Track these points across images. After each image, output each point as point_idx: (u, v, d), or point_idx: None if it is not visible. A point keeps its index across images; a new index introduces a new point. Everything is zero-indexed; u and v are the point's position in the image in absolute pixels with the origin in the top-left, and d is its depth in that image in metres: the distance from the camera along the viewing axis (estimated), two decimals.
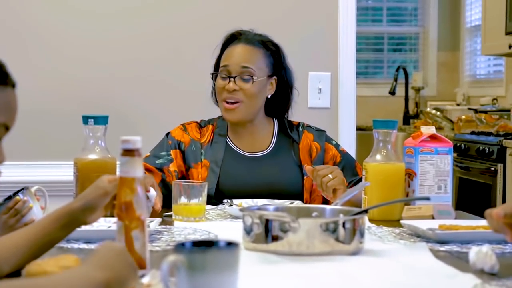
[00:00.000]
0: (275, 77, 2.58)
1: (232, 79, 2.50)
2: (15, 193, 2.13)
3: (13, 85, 1.35)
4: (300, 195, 2.51)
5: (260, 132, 2.59)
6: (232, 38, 2.58)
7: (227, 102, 2.51)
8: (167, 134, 2.60)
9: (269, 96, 2.58)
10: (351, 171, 2.54)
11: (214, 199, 2.46)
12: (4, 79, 1.33)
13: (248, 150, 2.57)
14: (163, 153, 2.55)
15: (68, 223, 1.53)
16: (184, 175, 2.55)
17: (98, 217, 1.56)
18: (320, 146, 2.58)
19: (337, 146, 2.62)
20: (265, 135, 2.60)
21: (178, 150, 2.55)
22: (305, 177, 2.52)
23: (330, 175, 2.30)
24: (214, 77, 2.59)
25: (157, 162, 2.53)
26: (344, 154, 2.59)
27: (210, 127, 2.61)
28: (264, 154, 2.57)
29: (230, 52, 2.55)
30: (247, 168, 2.53)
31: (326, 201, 2.48)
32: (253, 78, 2.51)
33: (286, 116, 2.66)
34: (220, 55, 2.60)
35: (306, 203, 2.49)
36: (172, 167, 2.52)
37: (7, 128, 1.35)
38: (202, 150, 2.55)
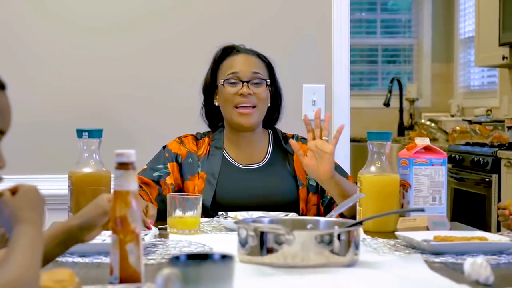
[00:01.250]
0: (270, 87, 2.60)
1: (245, 84, 2.52)
2: None
3: (2, 87, 1.34)
4: (295, 205, 2.51)
5: (257, 144, 2.60)
6: (228, 51, 2.60)
7: (241, 107, 2.51)
8: (164, 147, 2.59)
9: (268, 105, 2.60)
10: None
11: (211, 211, 2.46)
12: None
13: (244, 162, 2.57)
14: (160, 166, 2.54)
15: (65, 240, 1.53)
16: (181, 188, 2.54)
17: (95, 235, 1.56)
18: None
19: None
20: (261, 147, 2.61)
21: (175, 163, 2.54)
22: (300, 188, 2.52)
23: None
24: (209, 92, 2.60)
25: (154, 175, 2.52)
26: (337, 166, 2.60)
27: (207, 139, 2.61)
28: (260, 166, 2.57)
29: (234, 60, 2.57)
30: (243, 180, 2.53)
31: (320, 213, 2.49)
32: (266, 82, 2.54)
33: (277, 127, 2.68)
34: (214, 69, 2.60)
35: (302, 213, 2.50)
36: (169, 180, 2.51)
37: (2, 132, 1.35)
38: (199, 162, 2.55)
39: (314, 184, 2.53)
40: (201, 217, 2.24)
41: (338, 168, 2.59)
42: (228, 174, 2.53)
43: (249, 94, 2.51)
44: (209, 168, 2.53)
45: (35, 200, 1.35)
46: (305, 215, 2.50)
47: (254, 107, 2.52)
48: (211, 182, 2.50)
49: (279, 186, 2.52)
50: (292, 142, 2.41)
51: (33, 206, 1.34)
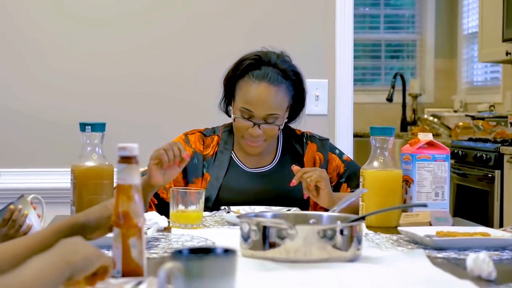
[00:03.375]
0: (291, 102, 2.51)
1: (256, 125, 2.42)
2: (11, 203, 2.12)
3: None
4: (304, 206, 2.46)
5: (267, 147, 2.53)
6: (254, 66, 2.45)
7: (249, 140, 2.45)
8: None
9: (285, 121, 2.52)
10: (356, 180, 2.49)
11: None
12: None
13: (253, 165, 2.53)
14: None
15: (68, 235, 1.52)
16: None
17: (99, 236, 1.54)
18: (323, 157, 2.55)
19: (340, 155, 2.58)
20: (271, 149, 2.55)
21: None
22: None
23: (312, 175, 2.28)
24: (228, 89, 2.51)
25: None
26: (348, 163, 2.56)
27: (216, 138, 2.55)
28: (268, 169, 2.53)
29: (253, 93, 2.41)
30: (250, 184, 2.49)
31: None
32: (279, 125, 2.45)
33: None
34: (235, 76, 2.47)
35: None
36: (168, 184, 2.45)
37: None
38: (205, 163, 2.50)
39: None
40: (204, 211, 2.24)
41: (350, 164, 2.56)
42: (234, 177, 2.49)
43: (259, 135, 2.43)
44: (214, 170, 2.49)
45: (93, 257, 1.31)
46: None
47: (264, 140, 2.46)
48: (213, 185, 2.47)
49: (287, 191, 2.45)
50: (295, 169, 2.32)
51: (87, 258, 1.29)
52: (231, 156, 2.53)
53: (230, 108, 2.55)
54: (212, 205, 2.45)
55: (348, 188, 2.52)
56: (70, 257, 1.26)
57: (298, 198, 2.44)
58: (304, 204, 2.46)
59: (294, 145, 2.57)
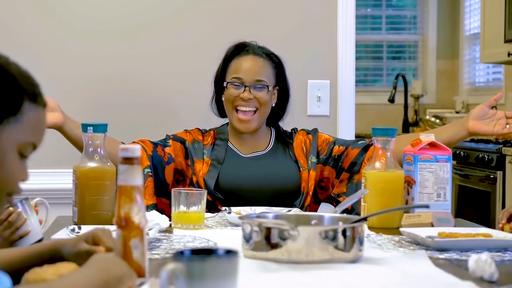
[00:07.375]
0: (277, 87, 2.66)
1: (247, 88, 2.57)
2: (13, 205, 2.10)
3: (44, 105, 1.37)
4: (297, 188, 2.58)
5: (260, 139, 2.68)
6: (238, 50, 2.65)
7: (240, 111, 2.58)
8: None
9: (273, 105, 2.66)
10: (345, 142, 2.67)
11: (214, 193, 2.52)
12: (39, 98, 1.35)
13: (248, 152, 2.65)
14: (161, 139, 2.64)
15: (48, 257, 1.50)
16: (182, 169, 2.59)
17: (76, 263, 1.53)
18: (312, 137, 2.68)
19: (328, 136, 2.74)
20: (264, 141, 2.68)
21: (179, 143, 2.62)
22: (301, 169, 2.60)
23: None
24: (218, 86, 2.66)
25: (153, 141, 2.61)
26: (336, 138, 2.72)
27: (212, 133, 2.69)
28: (263, 154, 2.65)
29: (240, 64, 2.62)
30: (247, 166, 2.60)
31: (317, 197, 2.64)
32: (268, 88, 2.60)
33: (280, 125, 2.75)
34: (224, 65, 2.66)
35: (303, 191, 2.57)
36: (168, 150, 2.59)
37: (34, 147, 1.38)
38: (204, 151, 2.63)
39: (315, 161, 2.62)
40: (205, 212, 2.24)
41: (339, 138, 2.76)
42: (232, 160, 2.61)
43: (250, 99, 2.58)
44: (214, 155, 2.61)
45: (125, 278, 1.32)
46: (307, 193, 2.57)
47: (255, 111, 2.59)
48: (216, 166, 2.58)
49: (281, 170, 2.60)
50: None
51: (120, 279, 1.30)
52: (227, 145, 2.64)
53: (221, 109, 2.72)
54: (213, 187, 2.54)
55: (341, 147, 2.64)
56: (106, 276, 1.27)
57: (291, 177, 2.59)
58: (297, 181, 2.58)
59: (285, 139, 2.69)
